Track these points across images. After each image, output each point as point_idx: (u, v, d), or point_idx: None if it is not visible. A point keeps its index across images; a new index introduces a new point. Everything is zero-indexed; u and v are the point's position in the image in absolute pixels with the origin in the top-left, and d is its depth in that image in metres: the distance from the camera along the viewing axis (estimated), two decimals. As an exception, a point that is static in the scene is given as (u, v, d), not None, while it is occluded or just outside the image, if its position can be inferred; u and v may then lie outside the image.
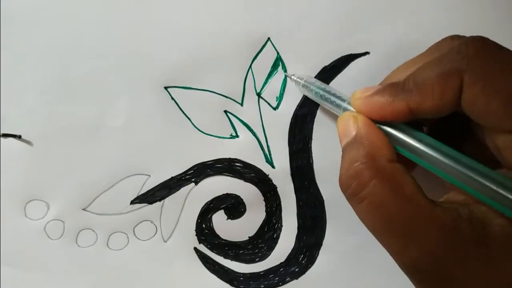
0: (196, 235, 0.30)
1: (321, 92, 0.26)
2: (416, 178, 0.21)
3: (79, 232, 0.30)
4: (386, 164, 0.20)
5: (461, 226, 0.18)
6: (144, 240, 0.30)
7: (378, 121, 0.22)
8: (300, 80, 0.28)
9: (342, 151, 0.22)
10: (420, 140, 0.21)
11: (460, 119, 0.21)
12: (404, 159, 0.22)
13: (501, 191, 0.18)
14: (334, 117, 0.29)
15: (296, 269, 0.30)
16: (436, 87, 0.20)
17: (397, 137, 0.21)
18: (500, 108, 0.18)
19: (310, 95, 0.27)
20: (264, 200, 0.30)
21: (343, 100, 0.24)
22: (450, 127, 0.23)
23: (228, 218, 0.30)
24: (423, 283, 0.19)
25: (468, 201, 0.20)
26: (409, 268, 0.19)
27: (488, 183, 0.18)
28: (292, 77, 0.28)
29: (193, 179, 0.30)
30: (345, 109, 0.24)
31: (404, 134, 0.21)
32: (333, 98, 0.25)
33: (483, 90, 0.19)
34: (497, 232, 0.18)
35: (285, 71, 0.29)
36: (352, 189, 0.20)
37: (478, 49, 0.20)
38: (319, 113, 0.29)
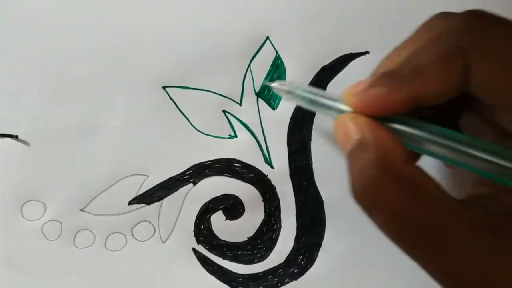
0: (195, 235, 0.30)
1: (308, 95, 0.22)
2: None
3: (77, 233, 0.29)
4: (403, 166, 0.17)
5: (497, 223, 0.16)
6: (142, 241, 0.30)
7: (378, 118, 0.19)
8: (282, 87, 0.23)
9: (347, 158, 0.19)
10: (433, 132, 0.18)
11: (456, 101, 0.19)
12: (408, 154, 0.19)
13: None
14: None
15: (295, 270, 0.30)
16: (438, 70, 0.18)
17: (406, 132, 0.18)
18: None
19: (298, 102, 0.23)
20: (263, 200, 0.30)
21: (335, 100, 0.20)
22: (446, 111, 0.21)
23: (226, 219, 0.30)
24: None
25: (495, 192, 0.18)
26: (450, 278, 0.17)
27: None
28: (273, 85, 0.24)
29: (191, 180, 0.29)
30: (339, 110, 0.20)
31: (413, 128, 0.18)
32: (323, 100, 0.21)
33: (493, 68, 0.17)
34: None
35: (284, 70, 0.29)
36: (368, 200, 0.17)
37: (481, 24, 0.18)
38: (318, 113, 0.29)
